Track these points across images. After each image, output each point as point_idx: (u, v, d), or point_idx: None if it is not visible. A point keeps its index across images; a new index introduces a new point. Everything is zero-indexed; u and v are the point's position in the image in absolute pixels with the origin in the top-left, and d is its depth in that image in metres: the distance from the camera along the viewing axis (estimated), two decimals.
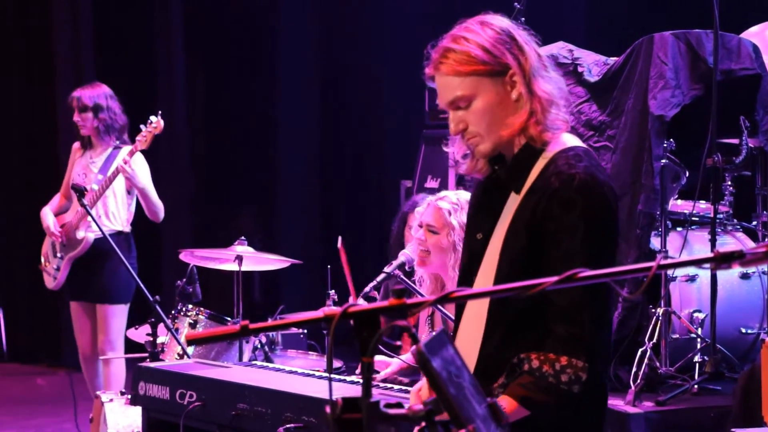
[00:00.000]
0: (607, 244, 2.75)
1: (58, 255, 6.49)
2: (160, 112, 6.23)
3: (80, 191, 5.59)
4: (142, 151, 6.25)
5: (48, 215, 6.51)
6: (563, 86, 2.86)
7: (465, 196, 4.22)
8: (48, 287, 6.67)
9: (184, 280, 5.69)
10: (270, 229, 9.64)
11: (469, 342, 2.82)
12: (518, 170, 2.80)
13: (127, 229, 6.47)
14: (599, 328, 2.71)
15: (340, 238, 4.52)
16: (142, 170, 6.32)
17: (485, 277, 2.82)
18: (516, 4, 6.77)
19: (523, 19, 6.68)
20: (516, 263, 2.74)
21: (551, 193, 2.70)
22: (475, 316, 2.83)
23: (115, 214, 6.42)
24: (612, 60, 6.15)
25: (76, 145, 6.62)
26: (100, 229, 5.64)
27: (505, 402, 2.66)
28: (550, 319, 2.69)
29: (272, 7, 9.76)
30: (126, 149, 6.34)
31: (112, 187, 6.30)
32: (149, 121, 6.14)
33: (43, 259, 6.63)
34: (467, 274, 2.88)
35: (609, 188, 2.75)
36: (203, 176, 9.75)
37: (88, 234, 6.34)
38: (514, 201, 2.80)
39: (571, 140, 2.84)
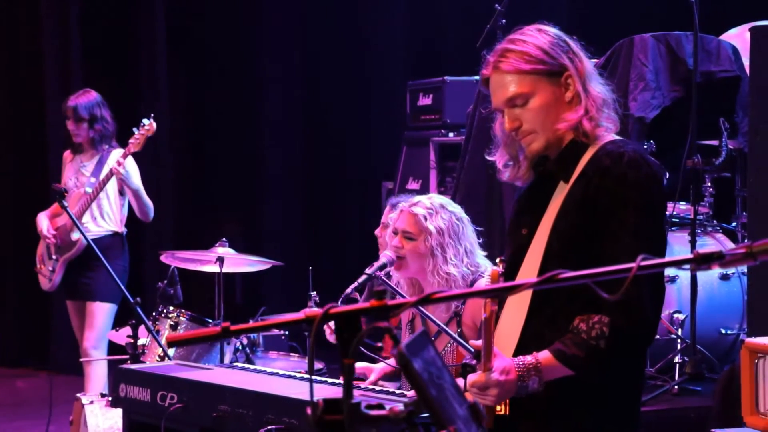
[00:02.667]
0: (658, 215, 2.89)
1: (53, 257, 6.54)
2: (152, 114, 6.33)
3: (60, 193, 5.60)
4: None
5: (42, 220, 6.57)
6: (612, 93, 2.99)
7: (439, 199, 4.23)
8: (43, 288, 6.72)
9: (165, 281, 5.68)
10: (252, 231, 9.62)
11: (512, 322, 2.91)
12: (567, 161, 2.91)
13: (122, 230, 6.55)
14: (645, 292, 2.76)
15: (314, 293, 4.53)
16: (133, 172, 6.39)
17: (531, 265, 2.89)
18: (497, 6, 6.80)
19: (503, 20, 6.72)
20: (567, 241, 2.83)
21: (603, 171, 2.82)
22: (518, 302, 2.91)
23: (110, 216, 6.51)
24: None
25: (67, 152, 6.68)
26: (81, 232, 5.64)
27: (542, 356, 2.78)
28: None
29: (255, 9, 9.75)
30: (117, 152, 6.43)
31: (105, 189, 6.39)
32: (141, 124, 6.25)
33: (38, 262, 6.66)
34: (511, 269, 2.96)
35: (657, 166, 2.88)
36: (185, 178, 9.73)
37: (82, 236, 6.37)
38: (562, 189, 2.90)
39: (618, 137, 2.98)
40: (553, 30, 2.98)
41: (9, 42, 9.77)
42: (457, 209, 4.21)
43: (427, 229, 4.07)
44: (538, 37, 2.93)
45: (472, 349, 2.94)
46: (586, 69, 2.94)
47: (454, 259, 4.07)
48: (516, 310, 2.92)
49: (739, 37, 6.27)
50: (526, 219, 2.98)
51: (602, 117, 2.91)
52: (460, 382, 2.82)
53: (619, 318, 2.75)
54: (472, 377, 2.80)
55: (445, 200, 4.25)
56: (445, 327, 3.88)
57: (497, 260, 2.93)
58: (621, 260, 2.67)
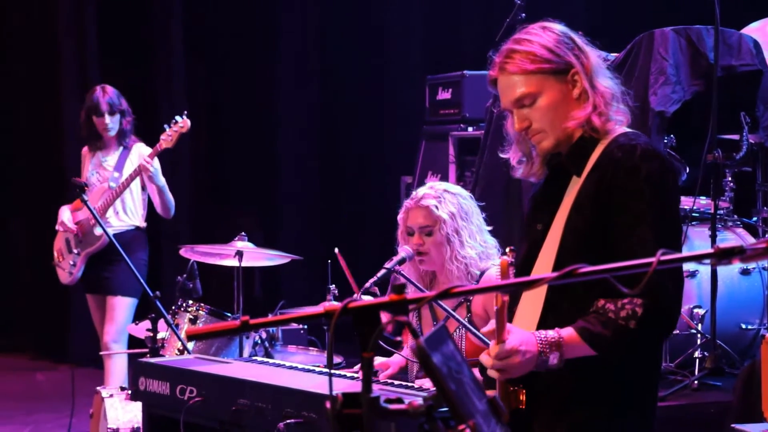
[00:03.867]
0: (672, 207, 2.88)
1: (75, 251, 6.57)
2: (186, 112, 6.36)
3: (80, 187, 5.62)
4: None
5: (64, 212, 6.60)
6: (620, 86, 2.99)
7: (440, 186, 4.24)
8: (63, 282, 6.75)
9: (185, 275, 5.69)
10: (270, 225, 9.63)
11: (527, 319, 2.90)
12: (579, 155, 2.91)
13: (143, 225, 6.59)
14: (667, 279, 2.74)
15: (336, 249, 4.52)
16: (158, 168, 6.46)
17: (545, 260, 2.89)
18: (517, 0, 6.77)
19: (523, 15, 6.70)
20: (581, 235, 2.83)
21: (615, 164, 2.82)
22: (533, 298, 2.91)
23: (132, 211, 6.56)
24: (612, 56, 6.14)
25: (85, 149, 6.72)
26: (102, 227, 5.66)
27: (566, 333, 2.75)
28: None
29: (272, 4, 9.75)
30: (138, 146, 6.49)
31: None
32: (174, 121, 6.30)
33: (56, 255, 6.69)
34: (526, 264, 2.96)
35: (669, 159, 2.86)
36: (204, 172, 9.75)
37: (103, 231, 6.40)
38: (575, 184, 2.90)
39: (630, 129, 2.98)
40: (558, 27, 2.97)
41: (25, 39, 9.81)
42: (459, 189, 4.24)
43: (441, 217, 4.10)
44: (542, 35, 2.93)
45: (481, 335, 2.93)
46: (592, 64, 2.93)
47: (470, 240, 4.10)
48: (531, 306, 2.92)
49: (760, 30, 6.24)
50: (541, 215, 2.98)
51: (611, 111, 2.92)
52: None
53: (650, 300, 2.73)
54: (490, 350, 2.74)
55: (446, 184, 4.28)
56: (453, 312, 3.88)
57: (507, 250, 2.91)
58: (636, 252, 2.71)
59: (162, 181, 6.41)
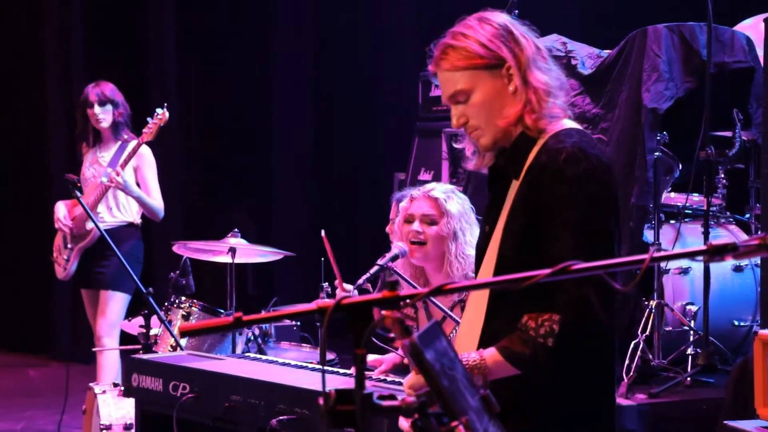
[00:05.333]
0: (600, 211, 2.74)
1: (69, 246, 6.57)
2: (165, 104, 6.36)
3: (72, 182, 5.62)
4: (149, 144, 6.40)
5: (60, 208, 6.60)
6: (562, 78, 2.90)
7: (449, 186, 4.32)
8: (58, 277, 6.77)
9: (178, 272, 5.68)
10: (263, 222, 9.63)
11: (472, 323, 2.86)
12: (516, 157, 2.83)
13: (137, 221, 6.57)
14: (591, 292, 2.63)
15: (323, 231, 4.52)
16: (148, 164, 6.47)
17: (488, 264, 2.85)
18: None
19: (517, 11, 6.69)
20: (516, 240, 2.76)
21: (541, 168, 2.74)
22: (478, 301, 2.86)
23: (126, 207, 6.54)
24: (605, 53, 6.15)
25: (84, 146, 6.72)
26: (94, 222, 5.66)
27: (488, 354, 2.70)
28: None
29: (267, 1, 9.74)
30: (134, 143, 6.48)
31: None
32: (155, 113, 6.28)
33: (54, 251, 6.70)
34: (477, 267, 2.92)
35: (599, 160, 2.75)
36: (197, 168, 9.73)
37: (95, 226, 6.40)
38: (513, 187, 2.84)
39: (569, 123, 2.86)
40: (495, 18, 2.89)
41: (9, 36, 9.79)
42: (464, 197, 4.26)
43: (449, 211, 4.10)
44: (478, 29, 2.85)
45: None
46: (527, 58, 2.82)
47: (472, 241, 4.09)
48: (475, 310, 2.87)
49: (753, 27, 6.25)
50: (488, 217, 2.93)
51: (546, 107, 2.81)
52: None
53: (568, 315, 2.65)
54: (408, 379, 2.69)
55: (453, 187, 4.32)
56: (450, 312, 3.88)
57: None
58: (565, 259, 2.58)
59: (135, 191, 6.39)
